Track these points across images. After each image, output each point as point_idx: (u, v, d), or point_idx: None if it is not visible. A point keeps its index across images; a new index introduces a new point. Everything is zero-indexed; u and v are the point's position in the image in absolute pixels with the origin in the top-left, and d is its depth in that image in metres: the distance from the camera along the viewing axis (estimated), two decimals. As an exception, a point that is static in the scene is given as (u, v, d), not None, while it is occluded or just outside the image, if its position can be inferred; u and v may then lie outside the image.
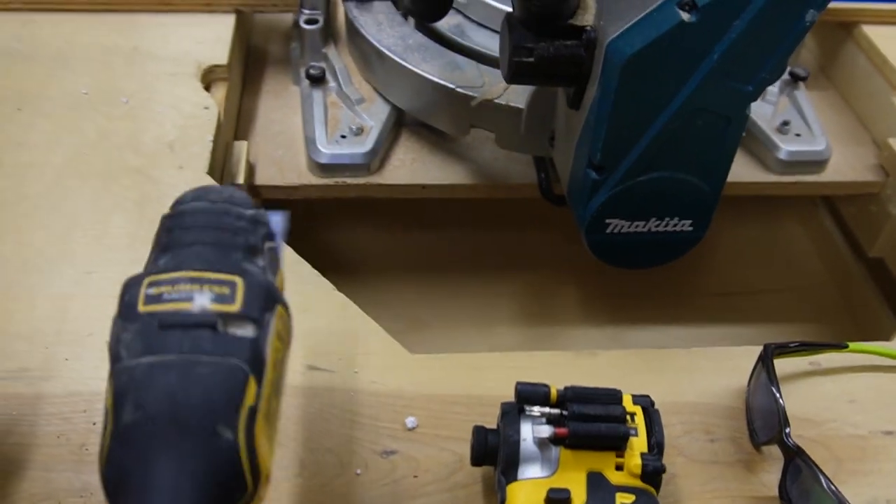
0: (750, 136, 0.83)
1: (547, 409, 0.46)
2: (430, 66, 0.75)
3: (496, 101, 0.71)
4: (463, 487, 0.51)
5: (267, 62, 0.90)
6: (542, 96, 0.68)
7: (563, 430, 0.45)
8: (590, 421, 0.45)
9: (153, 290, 0.35)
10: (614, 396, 0.47)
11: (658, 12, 0.52)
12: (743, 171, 0.83)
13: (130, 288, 0.36)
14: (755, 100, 0.56)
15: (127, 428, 0.31)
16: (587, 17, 0.57)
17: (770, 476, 0.52)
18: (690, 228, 0.64)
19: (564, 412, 0.46)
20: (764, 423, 0.53)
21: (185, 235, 0.38)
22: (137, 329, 0.34)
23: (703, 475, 0.52)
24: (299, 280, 0.62)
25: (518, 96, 0.71)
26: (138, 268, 0.65)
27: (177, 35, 0.80)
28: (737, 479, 0.52)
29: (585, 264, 0.98)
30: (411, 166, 0.80)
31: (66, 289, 0.59)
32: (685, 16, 0.52)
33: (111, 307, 0.58)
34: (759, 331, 0.92)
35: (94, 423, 0.52)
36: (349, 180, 0.78)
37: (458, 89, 0.73)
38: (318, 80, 0.82)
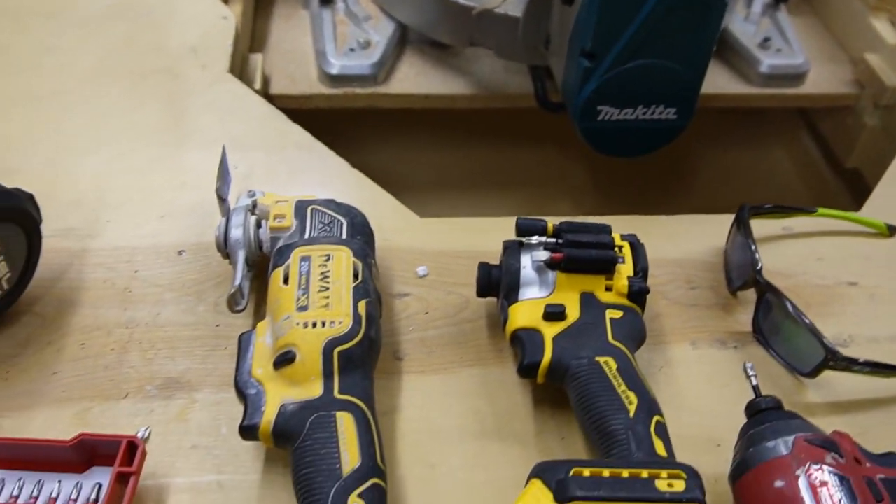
0: (733, 51, 0.89)
1: (544, 239, 0.52)
2: (433, -20, 0.80)
3: (495, 10, 0.76)
4: (469, 322, 0.56)
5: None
6: (538, 2, 0.73)
7: (558, 255, 0.51)
8: (583, 247, 0.51)
9: None
10: (605, 228, 0.52)
11: None
12: (726, 83, 0.88)
13: None
14: (732, -15, 0.62)
15: None
16: (580, -89, 0.62)
17: (744, 316, 0.58)
18: (675, 116, 0.70)
19: (560, 241, 0.51)
20: (740, 272, 0.59)
21: None
22: None
23: (684, 315, 0.58)
24: (319, 159, 0.68)
25: (515, 7, 0.76)
26: (166, 151, 0.70)
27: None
28: (715, 319, 0.58)
29: (578, 181, 1.03)
30: (415, 79, 0.86)
31: (104, 165, 0.65)
32: None
33: (143, 180, 0.64)
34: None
35: (136, 272, 0.58)
36: (358, 90, 0.84)
37: (459, 1, 0.78)
38: (327, 1, 0.88)
